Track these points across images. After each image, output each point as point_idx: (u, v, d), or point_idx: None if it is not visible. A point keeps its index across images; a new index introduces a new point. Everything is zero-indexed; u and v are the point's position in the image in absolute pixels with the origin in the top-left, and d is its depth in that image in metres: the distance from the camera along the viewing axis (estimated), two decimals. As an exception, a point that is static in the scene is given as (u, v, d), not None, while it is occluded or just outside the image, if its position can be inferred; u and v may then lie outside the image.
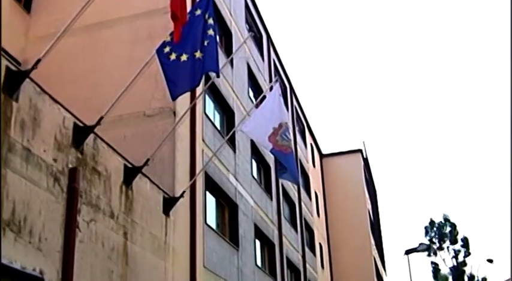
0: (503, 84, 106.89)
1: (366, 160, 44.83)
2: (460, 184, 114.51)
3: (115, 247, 10.67)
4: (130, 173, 11.64)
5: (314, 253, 33.61)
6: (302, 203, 31.74)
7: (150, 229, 12.36)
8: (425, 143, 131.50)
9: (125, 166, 11.59)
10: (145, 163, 11.82)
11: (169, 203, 13.49)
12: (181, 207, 14.22)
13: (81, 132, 9.92)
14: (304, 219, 32.08)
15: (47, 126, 9.04)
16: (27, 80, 8.51)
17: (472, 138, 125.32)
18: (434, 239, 23.15)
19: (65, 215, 9.11)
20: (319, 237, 36.18)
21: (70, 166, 9.48)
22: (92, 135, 10.25)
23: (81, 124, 10.01)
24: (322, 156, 42.69)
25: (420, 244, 26.81)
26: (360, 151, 43.42)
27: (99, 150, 10.67)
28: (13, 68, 8.38)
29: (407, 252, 29.74)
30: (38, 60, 8.39)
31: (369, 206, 43.06)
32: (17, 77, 8.32)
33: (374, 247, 41.50)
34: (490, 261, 31.41)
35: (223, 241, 17.71)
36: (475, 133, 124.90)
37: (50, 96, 9.26)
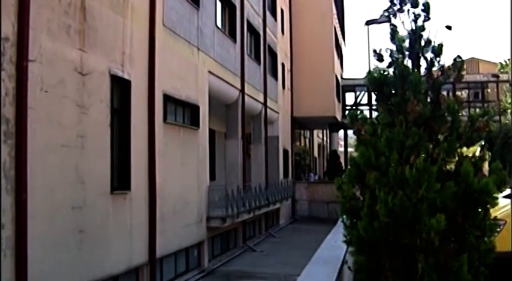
0: None
1: None
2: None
3: (72, 1, 10.46)
4: None
5: (275, 18, 33.51)
6: (266, -35, 30.81)
7: (108, -16, 12.05)
8: None
9: None
10: None
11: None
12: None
13: None
14: (267, -20, 31.37)
15: None
16: None
17: None
18: (395, 1, 22.65)
19: (18, -35, 8.77)
20: (281, 2, 35.83)
21: None
22: None
23: None
24: None
25: (381, 16, 26.86)
26: None
27: None
28: None
29: (368, 23, 29.96)
30: None
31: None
32: None
33: (335, 16, 41.44)
34: (449, 28, 31.92)
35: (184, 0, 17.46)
36: None
37: None
